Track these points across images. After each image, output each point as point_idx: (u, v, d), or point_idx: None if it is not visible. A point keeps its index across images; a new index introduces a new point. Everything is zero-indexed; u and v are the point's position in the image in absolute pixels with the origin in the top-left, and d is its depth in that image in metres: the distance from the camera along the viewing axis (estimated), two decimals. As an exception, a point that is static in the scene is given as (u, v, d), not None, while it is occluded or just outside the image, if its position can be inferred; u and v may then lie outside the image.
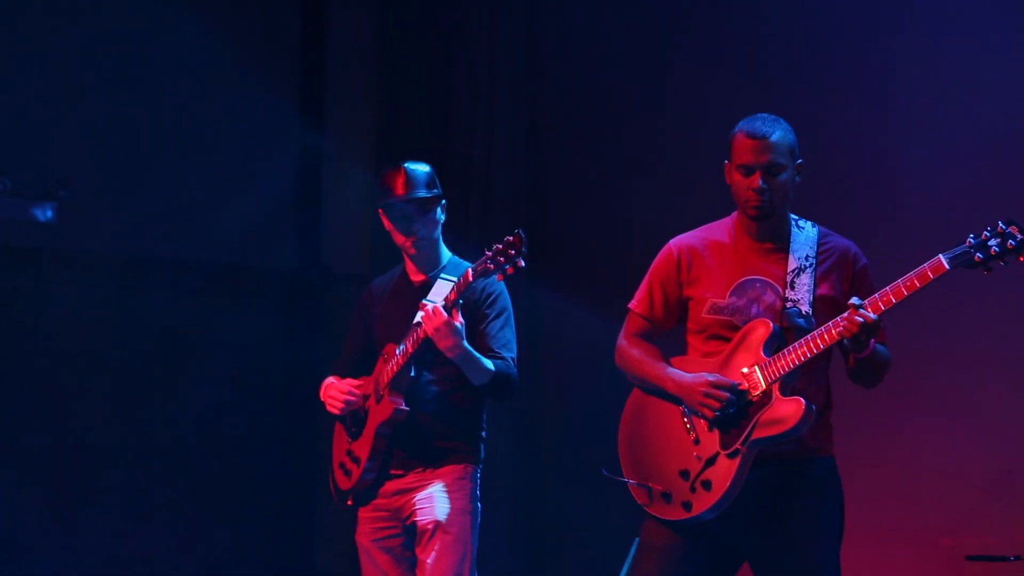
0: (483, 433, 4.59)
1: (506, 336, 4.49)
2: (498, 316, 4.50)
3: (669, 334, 4.04)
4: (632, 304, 4.04)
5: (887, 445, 5.47)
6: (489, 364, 4.37)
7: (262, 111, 6.92)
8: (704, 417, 3.77)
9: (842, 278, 3.84)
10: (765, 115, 3.85)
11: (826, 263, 3.86)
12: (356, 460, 4.58)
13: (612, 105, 6.56)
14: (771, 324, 3.74)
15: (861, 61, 5.71)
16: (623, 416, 4.01)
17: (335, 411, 4.62)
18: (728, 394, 3.71)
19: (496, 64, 6.81)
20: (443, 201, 4.61)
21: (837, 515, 3.86)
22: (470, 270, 4.24)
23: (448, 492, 4.48)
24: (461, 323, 4.28)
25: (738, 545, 3.83)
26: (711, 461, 3.75)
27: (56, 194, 6.33)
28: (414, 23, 7.09)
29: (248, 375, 6.80)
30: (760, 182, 3.78)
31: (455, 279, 4.39)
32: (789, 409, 3.66)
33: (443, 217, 4.62)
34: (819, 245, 3.88)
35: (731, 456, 3.72)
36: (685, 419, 3.83)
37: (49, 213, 6.27)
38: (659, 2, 6.42)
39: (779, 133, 3.80)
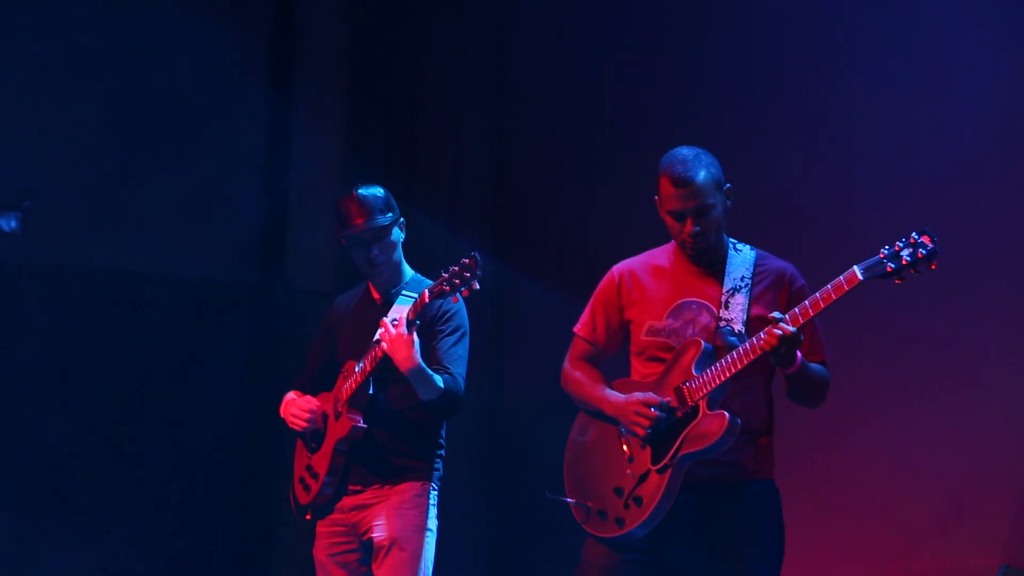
0: (442, 451, 4.69)
1: (457, 353, 4.60)
2: (452, 333, 4.61)
3: (615, 357, 4.19)
4: (576, 328, 4.21)
5: (843, 467, 5.56)
6: (439, 381, 4.47)
7: (230, 125, 6.95)
8: (636, 435, 3.90)
9: (778, 299, 3.97)
10: (685, 153, 3.95)
11: (761, 284, 4.00)
12: (315, 475, 4.68)
13: (581, 95, 6.65)
14: (702, 343, 3.89)
15: (820, 75, 5.82)
16: (569, 437, 4.17)
17: (296, 428, 4.73)
18: (657, 411, 3.85)
19: (467, 57, 6.89)
20: (401, 220, 4.72)
21: (776, 538, 3.98)
22: (426, 291, 4.37)
23: (405, 509, 4.57)
24: (416, 339, 4.40)
25: (677, 567, 3.96)
26: (643, 477, 3.89)
27: (20, 205, 6.34)
28: (384, 22, 7.14)
29: (210, 389, 6.83)
30: (693, 227, 3.93)
31: (415, 296, 4.51)
32: (714, 423, 3.79)
33: (402, 236, 4.73)
34: (755, 267, 4.01)
35: (661, 471, 3.85)
36: (621, 438, 3.97)
37: (13, 224, 6.29)
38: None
39: (703, 174, 3.91)
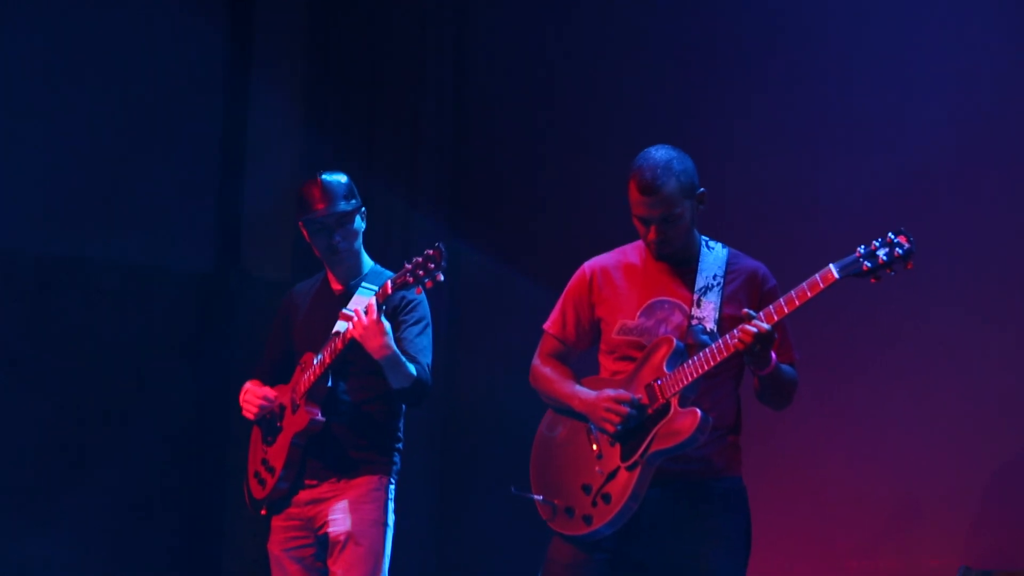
0: (399, 444, 4.72)
1: (422, 343, 4.62)
2: (416, 323, 4.64)
3: (583, 355, 4.22)
4: (546, 325, 4.24)
5: (797, 467, 5.60)
6: (412, 368, 4.50)
7: (185, 110, 6.90)
8: (606, 432, 3.95)
9: (749, 298, 4.02)
10: (657, 159, 3.98)
11: (734, 283, 4.05)
12: (271, 469, 4.69)
13: (542, 71, 6.68)
14: (674, 340, 3.93)
15: (781, 73, 5.87)
16: (536, 434, 4.20)
17: (250, 416, 4.76)
18: (628, 408, 3.89)
19: (426, 32, 6.89)
20: (363, 209, 4.74)
21: (743, 535, 4.04)
22: (389, 282, 4.40)
23: (362, 503, 4.60)
24: (388, 327, 4.43)
25: (643, 563, 4.00)
26: (612, 475, 3.92)
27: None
28: (344, 14, 7.14)
29: (161, 379, 6.77)
30: (656, 235, 3.99)
31: (375, 288, 4.54)
32: (685, 421, 3.84)
33: (363, 225, 4.75)
34: (727, 266, 4.07)
35: (630, 468, 3.89)
36: (590, 435, 4.01)
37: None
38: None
39: (671, 183, 3.94)
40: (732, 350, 3.79)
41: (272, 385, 4.79)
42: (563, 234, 6.32)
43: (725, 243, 4.15)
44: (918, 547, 5.31)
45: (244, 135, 7.04)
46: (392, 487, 4.66)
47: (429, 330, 4.67)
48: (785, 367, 3.98)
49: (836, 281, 3.68)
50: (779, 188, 5.77)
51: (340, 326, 4.56)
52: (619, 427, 3.90)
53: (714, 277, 4.03)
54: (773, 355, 3.86)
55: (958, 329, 5.36)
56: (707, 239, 4.12)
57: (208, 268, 7.02)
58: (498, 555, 6.29)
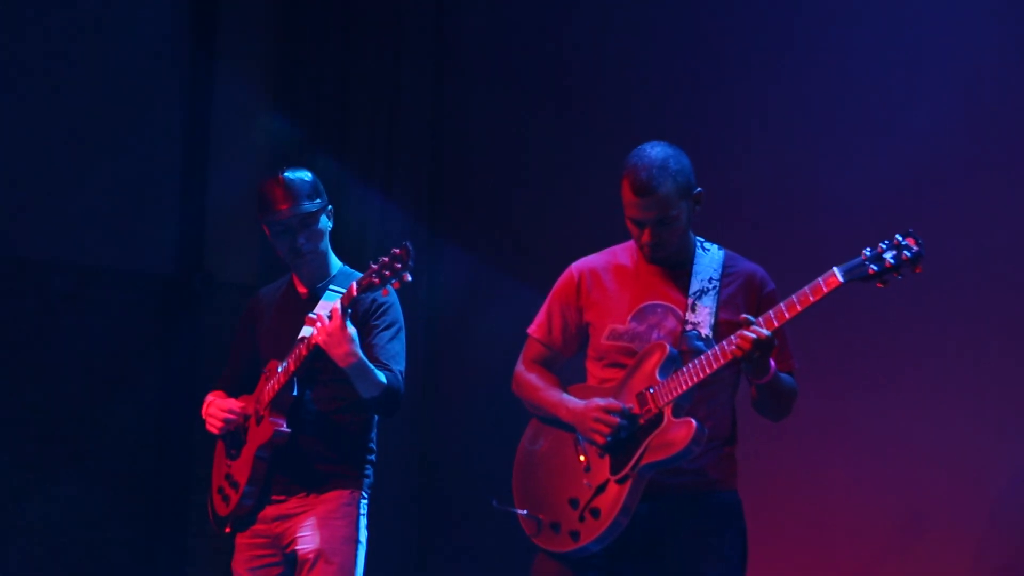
0: (372, 456, 4.63)
1: (395, 348, 4.54)
2: (387, 328, 4.55)
3: (570, 361, 4.16)
4: (531, 329, 4.17)
5: (796, 480, 5.58)
6: (381, 376, 4.42)
7: (147, 107, 6.88)
8: (595, 443, 3.87)
9: (747, 302, 3.96)
10: (652, 157, 3.88)
11: (730, 287, 3.98)
12: (235, 485, 4.60)
13: (527, 58, 6.67)
14: (667, 347, 3.86)
15: (784, 69, 5.86)
16: (519, 445, 4.13)
17: (214, 430, 4.67)
18: (618, 418, 3.82)
19: (403, 17, 6.86)
20: (329, 208, 4.66)
21: (739, 551, 3.98)
22: (354, 284, 4.31)
23: (332, 519, 4.50)
24: (355, 332, 4.35)
25: None
26: (601, 488, 3.86)
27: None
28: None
29: (121, 387, 6.72)
30: (651, 237, 3.91)
31: (344, 290, 4.45)
32: (679, 431, 3.77)
33: (330, 225, 4.67)
34: (724, 268, 4.00)
35: (620, 482, 3.82)
36: (578, 446, 3.94)
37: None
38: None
39: (667, 184, 3.85)
40: (730, 357, 3.71)
41: (237, 396, 4.71)
42: (548, 230, 6.35)
43: (722, 244, 4.09)
44: (923, 565, 5.29)
45: (208, 127, 7.01)
46: (364, 502, 4.57)
47: (402, 335, 4.59)
48: (784, 376, 3.92)
49: (840, 286, 3.61)
50: (779, 186, 5.76)
51: (306, 331, 4.48)
52: (609, 438, 3.82)
53: (709, 280, 3.96)
54: (772, 363, 3.79)
55: (966, 336, 5.34)
56: (702, 240, 4.06)
57: (170, 270, 6.98)
58: (481, 572, 6.26)
